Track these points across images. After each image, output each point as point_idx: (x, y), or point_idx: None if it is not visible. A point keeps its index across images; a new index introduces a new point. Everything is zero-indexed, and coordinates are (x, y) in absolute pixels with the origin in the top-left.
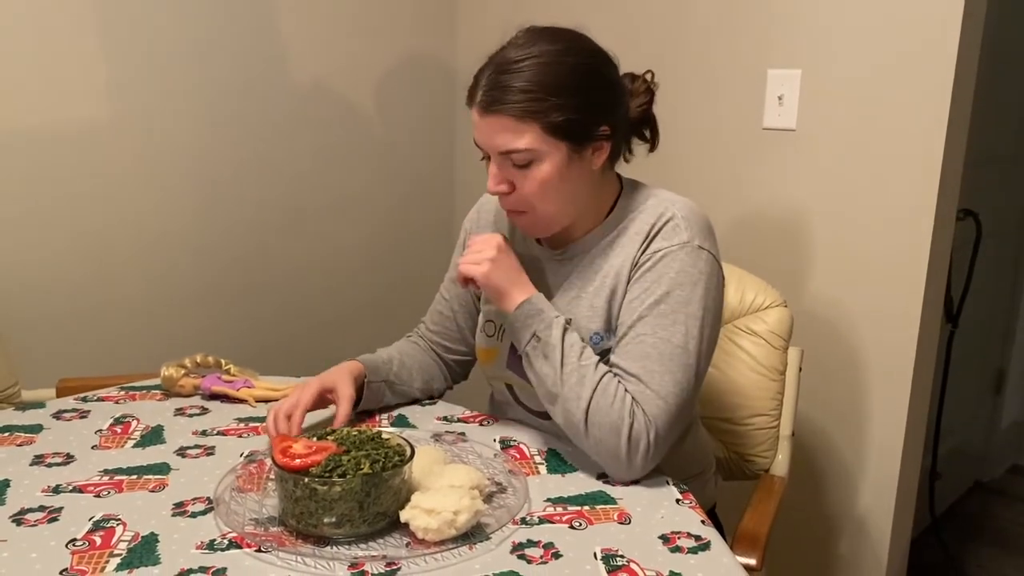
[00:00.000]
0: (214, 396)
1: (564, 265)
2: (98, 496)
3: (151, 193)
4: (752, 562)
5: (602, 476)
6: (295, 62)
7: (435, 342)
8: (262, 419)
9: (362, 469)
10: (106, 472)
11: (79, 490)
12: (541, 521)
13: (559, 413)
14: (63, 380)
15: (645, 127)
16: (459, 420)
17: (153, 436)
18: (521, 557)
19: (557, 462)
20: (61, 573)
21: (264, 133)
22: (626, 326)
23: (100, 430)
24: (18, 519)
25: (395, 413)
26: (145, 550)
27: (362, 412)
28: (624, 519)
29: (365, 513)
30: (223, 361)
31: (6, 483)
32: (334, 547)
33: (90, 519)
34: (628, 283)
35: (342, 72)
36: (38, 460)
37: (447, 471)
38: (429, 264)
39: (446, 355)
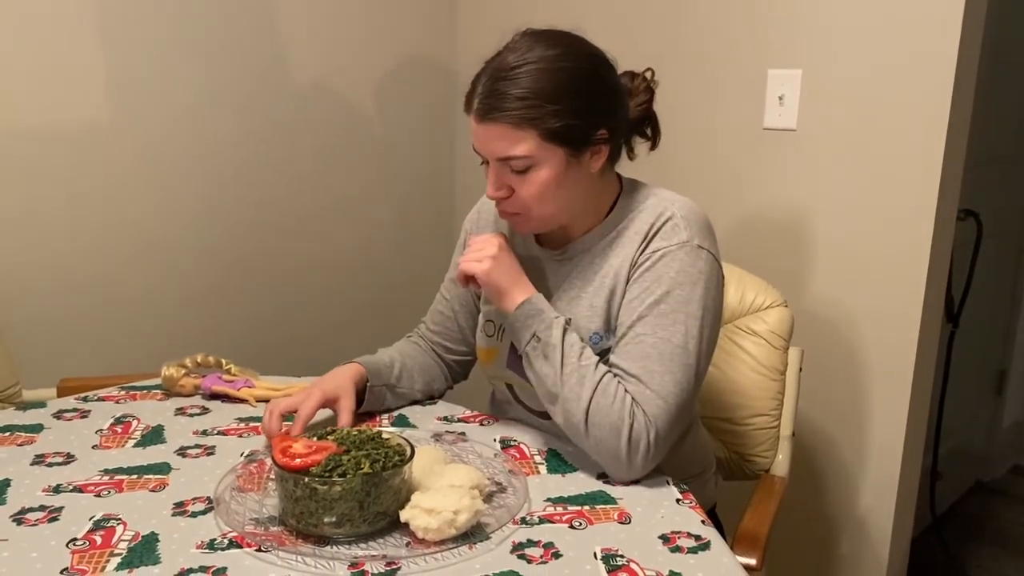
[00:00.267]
0: (215, 396)
1: (564, 265)
2: (98, 496)
3: (151, 193)
4: (752, 562)
5: (602, 476)
6: (296, 63)
7: (436, 342)
8: (262, 419)
9: (362, 469)
10: (106, 472)
11: (79, 490)
12: (541, 521)
13: (559, 413)
14: (64, 380)
15: (646, 125)
16: (459, 420)
17: (153, 436)
18: (521, 557)
19: (557, 462)
20: (61, 572)
21: (265, 134)
22: (626, 326)
23: (101, 430)
24: (19, 518)
25: (395, 413)
26: (145, 549)
27: (363, 412)
28: (624, 519)
29: (365, 513)
30: (224, 361)
31: (7, 483)
32: (334, 547)
33: (90, 519)
34: (628, 283)
35: (342, 73)
36: (39, 460)
37: (447, 471)
38: (429, 264)
39: (447, 355)
